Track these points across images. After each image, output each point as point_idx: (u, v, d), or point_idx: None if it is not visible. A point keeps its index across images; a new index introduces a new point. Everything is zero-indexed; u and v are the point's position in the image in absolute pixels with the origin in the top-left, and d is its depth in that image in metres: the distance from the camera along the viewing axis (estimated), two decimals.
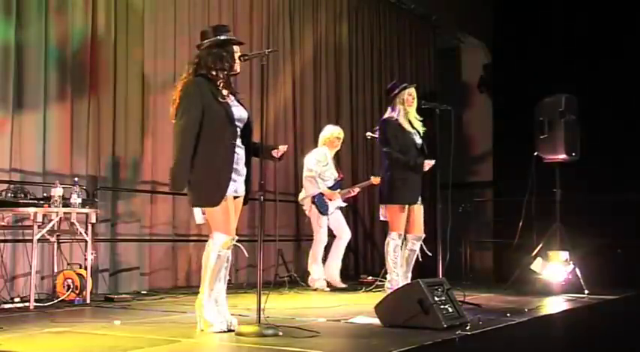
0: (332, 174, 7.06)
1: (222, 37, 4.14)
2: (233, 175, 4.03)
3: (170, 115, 4.12)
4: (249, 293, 6.32)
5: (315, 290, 6.79)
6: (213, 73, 4.09)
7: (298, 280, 7.19)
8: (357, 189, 7.42)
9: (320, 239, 6.97)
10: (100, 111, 6.56)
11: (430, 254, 6.18)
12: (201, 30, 4.35)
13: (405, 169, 5.97)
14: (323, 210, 6.93)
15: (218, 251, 4.01)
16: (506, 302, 5.77)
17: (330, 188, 7.00)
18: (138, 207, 6.85)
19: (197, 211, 4.12)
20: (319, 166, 6.97)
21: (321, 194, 6.93)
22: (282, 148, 4.34)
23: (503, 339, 4.33)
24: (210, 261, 4.01)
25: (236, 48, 4.18)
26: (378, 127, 6.35)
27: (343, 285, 7.05)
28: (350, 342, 4.04)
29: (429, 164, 5.97)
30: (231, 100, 4.13)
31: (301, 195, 7.16)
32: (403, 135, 6.02)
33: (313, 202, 6.93)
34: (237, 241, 4.12)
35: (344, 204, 7.21)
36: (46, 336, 3.95)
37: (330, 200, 6.97)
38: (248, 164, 4.17)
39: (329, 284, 6.97)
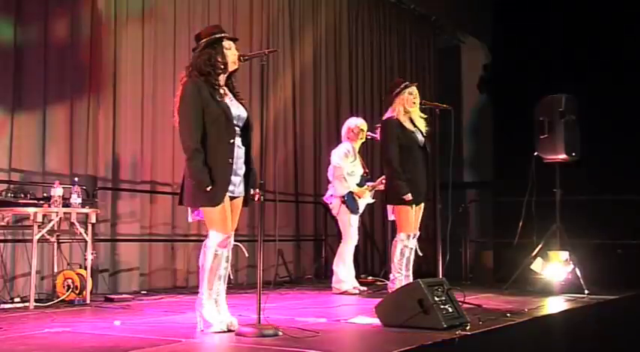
0: (359, 170, 6.81)
1: (215, 37, 4.11)
2: (232, 177, 4.01)
3: (174, 120, 4.12)
4: (249, 293, 6.32)
5: (344, 292, 6.51)
6: (207, 73, 4.07)
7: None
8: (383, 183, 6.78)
9: (349, 239, 6.69)
10: (100, 111, 6.56)
11: (422, 254, 6.14)
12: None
13: (409, 169, 5.95)
14: (354, 209, 6.68)
15: (215, 249, 4.00)
16: (506, 302, 5.76)
17: (357, 185, 6.74)
18: (138, 207, 6.85)
19: (189, 209, 4.10)
20: (346, 162, 6.71)
21: (351, 192, 6.65)
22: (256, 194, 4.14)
23: (503, 339, 4.32)
24: (207, 261, 4.00)
25: (230, 44, 4.14)
26: (378, 127, 6.33)
27: (363, 288, 6.77)
28: (350, 342, 4.04)
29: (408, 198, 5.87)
30: (230, 100, 4.12)
31: (328, 194, 6.88)
32: (404, 134, 5.96)
33: (343, 202, 6.66)
34: (238, 241, 4.10)
35: (372, 200, 6.94)
36: (46, 336, 3.95)
37: (360, 198, 6.71)
38: (248, 163, 4.16)
39: (354, 287, 6.67)
